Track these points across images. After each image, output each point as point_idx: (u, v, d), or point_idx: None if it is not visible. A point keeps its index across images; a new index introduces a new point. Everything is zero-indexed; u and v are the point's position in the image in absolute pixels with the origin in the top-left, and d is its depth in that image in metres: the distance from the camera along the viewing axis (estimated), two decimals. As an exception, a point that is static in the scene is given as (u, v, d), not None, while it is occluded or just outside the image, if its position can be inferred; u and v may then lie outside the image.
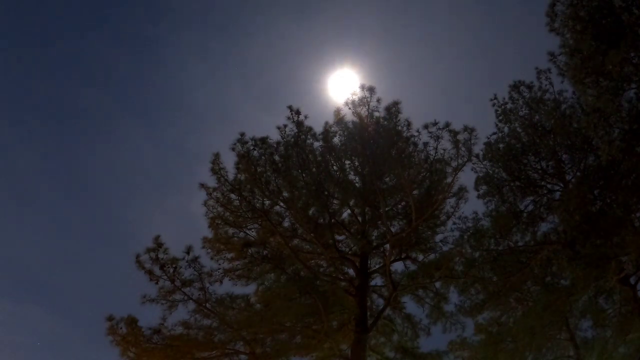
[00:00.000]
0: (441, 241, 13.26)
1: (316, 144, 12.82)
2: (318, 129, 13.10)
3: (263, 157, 11.31)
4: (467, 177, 18.50)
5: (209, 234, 12.52)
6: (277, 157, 11.46)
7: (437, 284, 13.56)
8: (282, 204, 11.79)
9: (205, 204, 12.24)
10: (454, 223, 13.44)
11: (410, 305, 14.07)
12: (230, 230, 12.51)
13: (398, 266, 13.74)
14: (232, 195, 12.02)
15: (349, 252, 13.27)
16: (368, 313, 12.26)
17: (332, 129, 13.35)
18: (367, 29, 32.93)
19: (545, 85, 14.25)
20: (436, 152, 11.65)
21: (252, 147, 11.33)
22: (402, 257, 13.15)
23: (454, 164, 11.31)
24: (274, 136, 11.71)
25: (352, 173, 13.48)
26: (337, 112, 13.61)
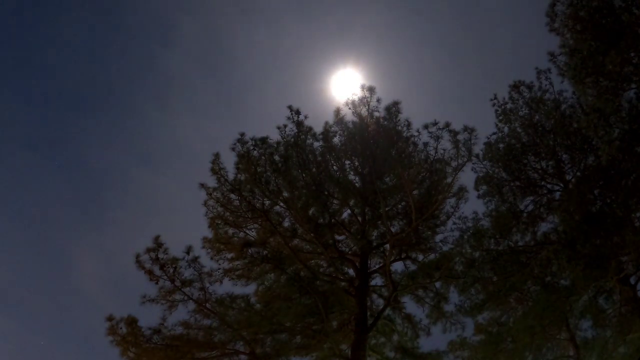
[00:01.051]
0: (441, 241, 13.27)
1: (316, 144, 12.84)
2: (321, 128, 13.13)
3: (263, 157, 11.30)
4: (467, 177, 18.52)
5: (207, 234, 12.54)
6: (277, 157, 11.46)
7: (437, 284, 13.56)
8: (282, 204, 11.79)
9: (205, 204, 12.24)
10: (454, 223, 13.42)
11: (410, 305, 14.08)
12: (230, 230, 12.50)
13: (398, 266, 13.76)
14: (232, 195, 12.01)
15: (349, 252, 13.26)
16: (368, 313, 12.25)
17: (332, 129, 13.36)
18: (370, 28, 33.18)
19: (545, 85, 14.26)
20: (436, 152, 11.66)
21: (252, 147, 11.33)
22: (402, 257, 13.14)
23: (454, 164, 11.32)
24: (274, 136, 11.73)
25: (352, 173, 13.48)
26: (337, 112, 13.62)
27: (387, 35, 33.33)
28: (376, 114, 12.66)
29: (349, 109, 12.86)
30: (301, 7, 32.89)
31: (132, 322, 10.29)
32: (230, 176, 11.74)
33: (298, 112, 11.75)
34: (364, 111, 12.66)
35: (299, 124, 11.82)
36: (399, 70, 32.66)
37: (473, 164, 14.44)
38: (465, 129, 10.95)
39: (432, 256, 13.09)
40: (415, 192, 12.43)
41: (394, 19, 32.70)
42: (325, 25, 33.57)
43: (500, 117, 14.86)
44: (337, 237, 13.14)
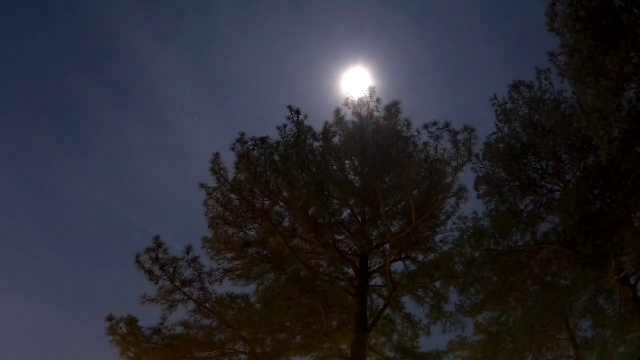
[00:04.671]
0: (441, 241, 13.29)
1: (316, 144, 12.83)
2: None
3: (263, 157, 11.29)
4: (467, 177, 18.51)
5: (208, 234, 12.55)
6: (277, 157, 11.45)
7: (437, 284, 13.56)
8: (282, 204, 11.79)
9: (205, 204, 12.25)
10: (454, 223, 13.44)
11: (410, 305, 14.09)
12: (230, 230, 12.51)
13: (398, 266, 13.75)
14: (232, 195, 12.01)
15: (349, 252, 13.27)
16: (368, 313, 12.26)
17: (332, 129, 13.35)
18: (381, 27, 33.04)
19: (545, 85, 14.22)
20: (436, 152, 11.66)
21: (252, 147, 11.32)
22: (402, 257, 13.15)
23: (454, 164, 11.33)
24: (274, 136, 11.72)
25: (352, 173, 13.48)
26: (337, 112, 13.61)
27: (397, 33, 33.22)
28: (376, 114, 12.66)
29: (349, 109, 12.86)
30: (309, 5, 32.76)
31: (132, 322, 10.30)
32: (230, 176, 11.75)
33: (298, 112, 11.74)
34: (364, 111, 12.67)
35: (299, 124, 11.80)
36: (407, 69, 32.61)
37: (473, 164, 14.44)
38: (465, 129, 10.96)
39: (432, 256, 13.12)
40: (415, 192, 12.43)
41: (405, 18, 32.61)
42: (334, 23, 33.45)
43: (500, 117, 14.84)
44: (337, 237, 13.15)
